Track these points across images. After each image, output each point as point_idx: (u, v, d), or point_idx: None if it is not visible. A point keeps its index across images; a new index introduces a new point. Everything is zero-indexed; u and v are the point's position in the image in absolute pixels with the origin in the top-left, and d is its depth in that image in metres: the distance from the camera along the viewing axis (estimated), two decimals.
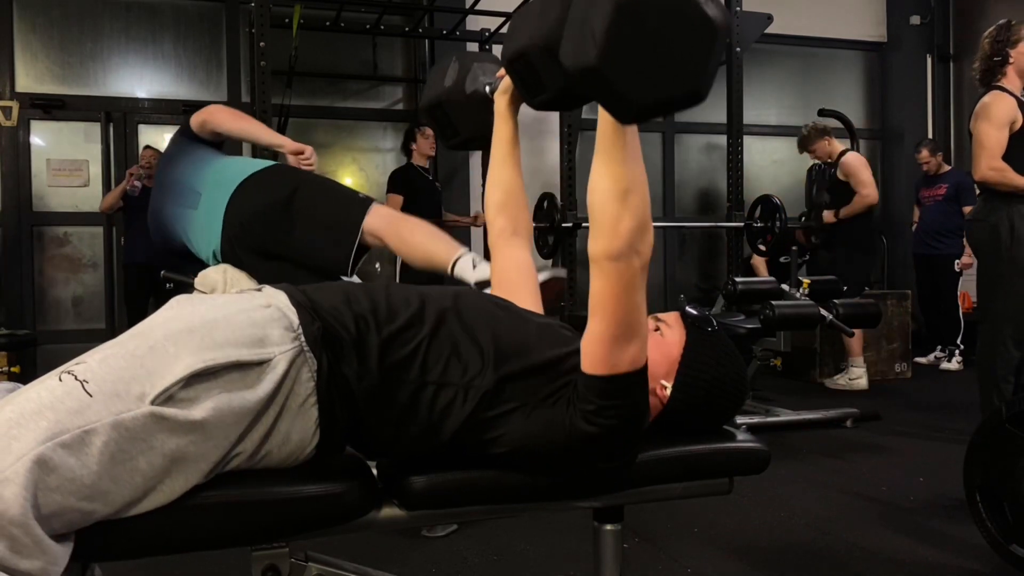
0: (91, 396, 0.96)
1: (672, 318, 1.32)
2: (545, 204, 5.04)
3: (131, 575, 1.64)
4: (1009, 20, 3.23)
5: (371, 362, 1.12)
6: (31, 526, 0.89)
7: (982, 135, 3.16)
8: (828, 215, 5.10)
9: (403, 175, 5.05)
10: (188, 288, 2.34)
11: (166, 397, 0.98)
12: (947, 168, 6.08)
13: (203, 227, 2.29)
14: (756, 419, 4.06)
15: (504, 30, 5.62)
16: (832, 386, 5.17)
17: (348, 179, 6.37)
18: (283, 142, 2.47)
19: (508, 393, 1.15)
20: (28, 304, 5.65)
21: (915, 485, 3.10)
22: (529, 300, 1.44)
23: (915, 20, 7.47)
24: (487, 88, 1.60)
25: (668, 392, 1.27)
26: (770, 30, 5.61)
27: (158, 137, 5.71)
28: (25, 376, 4.33)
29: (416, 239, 2.21)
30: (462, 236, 5.65)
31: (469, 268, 2.04)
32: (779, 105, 7.40)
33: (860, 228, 5.09)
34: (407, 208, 4.52)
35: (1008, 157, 3.12)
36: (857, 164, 5.10)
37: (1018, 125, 3.15)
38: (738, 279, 4.09)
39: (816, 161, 5.54)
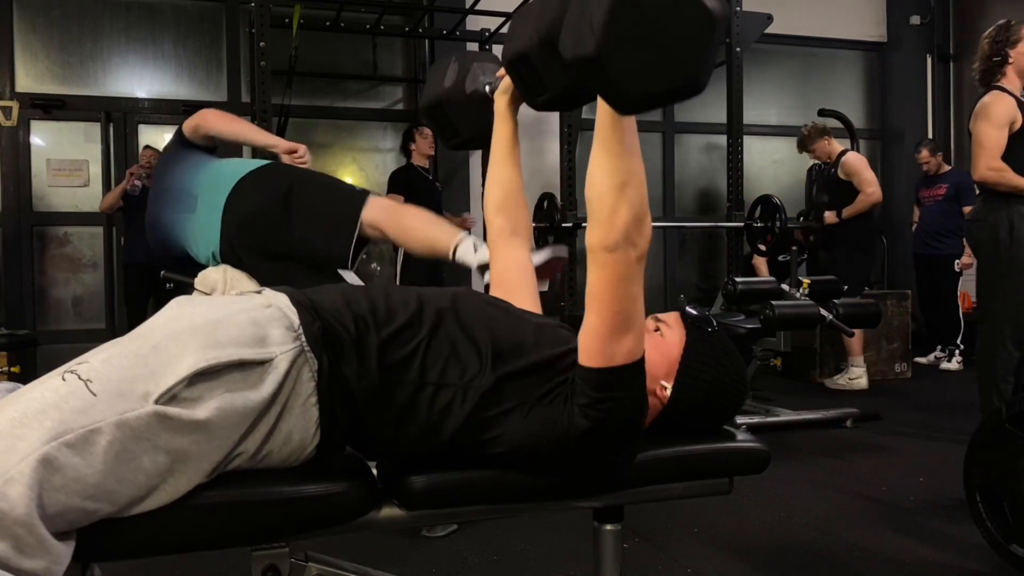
0: (95, 396, 0.96)
1: (672, 318, 1.32)
2: (545, 204, 5.04)
3: (131, 575, 1.65)
4: (1008, 20, 3.23)
5: (370, 362, 1.13)
6: (36, 526, 0.89)
7: (981, 135, 3.16)
8: (830, 216, 5.09)
9: (403, 175, 5.06)
10: (188, 288, 2.34)
11: (170, 396, 0.98)
12: (947, 168, 6.08)
13: (202, 230, 2.29)
14: (756, 419, 4.06)
15: (504, 30, 5.62)
16: (832, 386, 5.17)
17: (348, 179, 6.35)
18: (276, 142, 2.48)
19: (507, 393, 1.15)
20: (28, 304, 5.65)
21: (915, 485, 3.10)
22: (528, 300, 1.45)
23: (915, 20, 7.47)
24: (487, 88, 1.60)
25: (668, 392, 1.27)
26: (770, 30, 5.61)
27: (158, 137, 5.71)
28: (25, 376, 4.33)
29: (416, 226, 2.21)
30: None
31: (470, 252, 2.03)
32: (779, 105, 7.40)
33: (860, 228, 5.09)
34: None
35: (1007, 157, 3.12)
36: (859, 163, 5.10)
37: (1017, 125, 3.15)
38: (738, 279, 4.09)
39: (816, 161, 5.54)
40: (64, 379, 0.97)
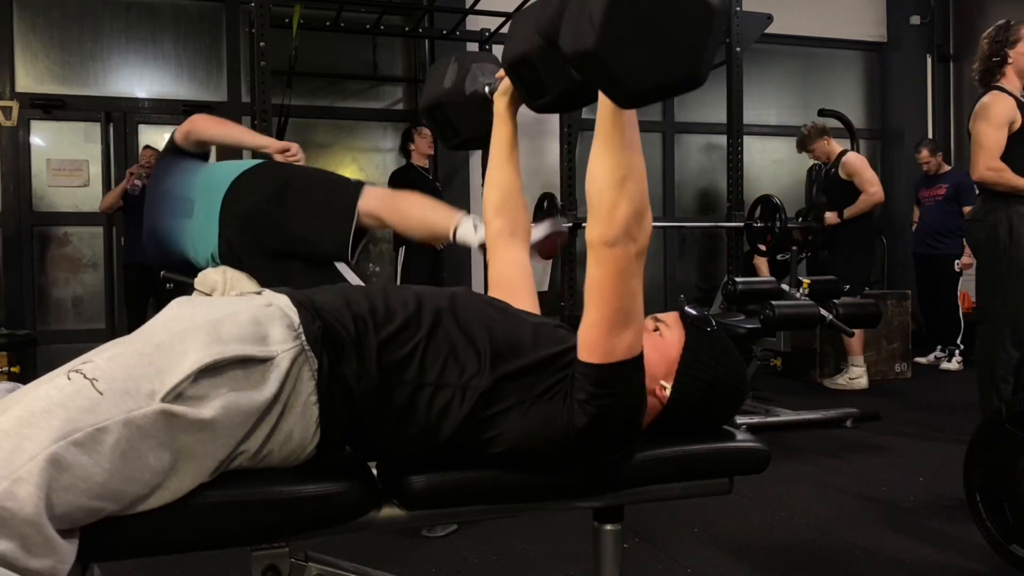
0: (101, 394, 0.96)
1: (671, 318, 1.32)
2: (545, 204, 5.04)
3: (131, 575, 1.65)
4: (1008, 20, 3.23)
5: (370, 363, 1.13)
6: (44, 525, 0.89)
7: (981, 135, 3.17)
8: (831, 216, 5.09)
9: (403, 175, 5.07)
10: (188, 288, 2.34)
11: (176, 394, 0.99)
12: (947, 168, 6.08)
13: (199, 232, 2.29)
14: (756, 419, 4.06)
15: (504, 30, 5.62)
16: (832, 386, 5.17)
17: None
18: (267, 143, 2.48)
19: (505, 392, 1.16)
20: (28, 304, 5.65)
21: (915, 485, 3.10)
22: (527, 301, 1.45)
23: (915, 20, 7.47)
24: (486, 88, 1.60)
25: (667, 392, 1.27)
26: (770, 30, 5.61)
27: (158, 137, 5.71)
28: (25, 376, 4.33)
29: (414, 211, 2.20)
30: None
31: (471, 231, 2.02)
32: (779, 105, 7.40)
33: (860, 228, 5.09)
34: None
35: (1007, 157, 3.12)
36: (860, 163, 5.10)
37: (1017, 125, 3.15)
38: (738, 279, 4.09)
39: (816, 161, 5.54)
40: (69, 378, 0.97)
